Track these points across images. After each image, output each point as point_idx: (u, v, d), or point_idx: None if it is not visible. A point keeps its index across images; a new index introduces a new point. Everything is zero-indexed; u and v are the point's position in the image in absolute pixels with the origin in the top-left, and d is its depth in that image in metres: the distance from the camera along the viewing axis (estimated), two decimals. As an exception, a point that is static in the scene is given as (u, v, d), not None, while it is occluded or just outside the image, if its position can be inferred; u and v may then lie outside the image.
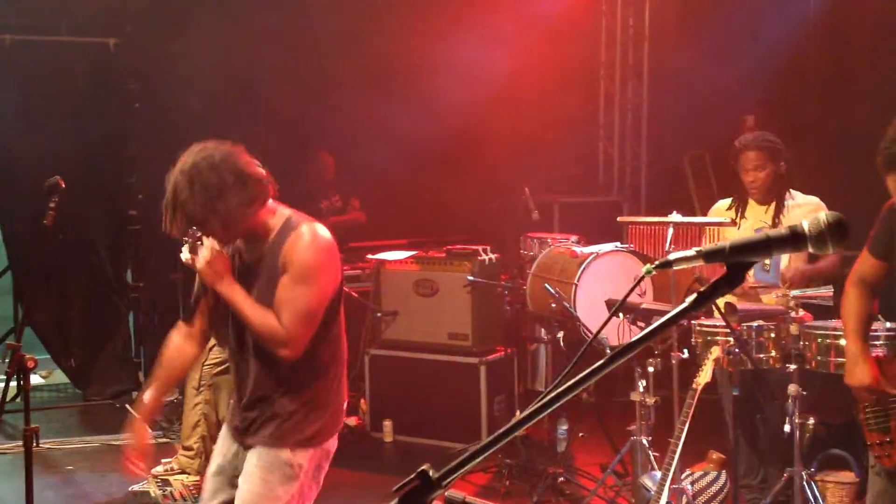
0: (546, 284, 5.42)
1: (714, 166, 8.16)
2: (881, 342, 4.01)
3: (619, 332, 5.12)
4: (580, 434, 5.78)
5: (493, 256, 6.33)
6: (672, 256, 1.39)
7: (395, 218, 7.67)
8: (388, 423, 6.15)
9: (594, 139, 9.12)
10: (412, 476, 1.39)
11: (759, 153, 4.85)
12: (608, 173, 9.13)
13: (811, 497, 4.22)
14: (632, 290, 1.62)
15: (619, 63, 8.95)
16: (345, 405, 3.19)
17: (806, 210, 4.92)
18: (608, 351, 5.32)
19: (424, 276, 6.30)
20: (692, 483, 4.88)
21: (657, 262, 1.45)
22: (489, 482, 5.45)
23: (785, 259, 4.92)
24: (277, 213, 3.03)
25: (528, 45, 7.65)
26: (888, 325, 3.97)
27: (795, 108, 7.52)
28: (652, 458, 4.51)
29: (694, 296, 1.37)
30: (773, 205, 4.93)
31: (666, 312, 4.42)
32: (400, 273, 6.40)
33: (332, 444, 3.13)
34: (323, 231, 3.02)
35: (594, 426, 5.75)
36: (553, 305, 5.35)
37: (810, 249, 1.33)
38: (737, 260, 1.36)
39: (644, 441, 4.66)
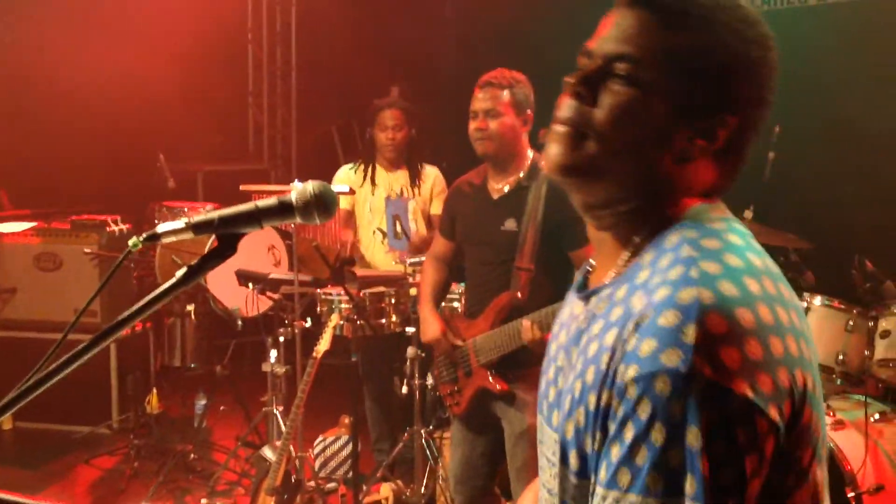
0: (174, 256, 5.21)
1: (361, 135, 8.27)
2: (455, 299, 4.43)
3: (249, 303, 5.03)
4: (221, 408, 5.68)
5: (123, 227, 5.98)
6: (160, 229, 1.30)
7: (16, 186, 6.99)
8: (4, 412, 5.62)
9: (243, 106, 8.92)
10: None
11: (398, 112, 4.97)
12: (258, 141, 8.98)
13: (429, 455, 4.43)
14: (118, 265, 1.42)
15: (267, 28, 8.81)
16: None
17: (431, 177, 5.14)
18: (239, 323, 5.25)
19: (46, 250, 5.82)
20: (324, 448, 4.95)
21: (144, 236, 1.34)
22: (116, 465, 5.18)
23: (414, 227, 5.10)
24: None
25: (171, 5, 7.26)
26: (462, 285, 4.27)
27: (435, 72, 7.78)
28: (284, 427, 4.49)
29: (183, 270, 1.30)
30: (404, 171, 5.09)
31: (291, 282, 4.33)
32: (19, 247, 5.86)
33: None
34: None
35: (234, 399, 5.65)
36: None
37: (298, 220, 1.31)
38: (227, 231, 1.31)
39: (276, 411, 4.66)
